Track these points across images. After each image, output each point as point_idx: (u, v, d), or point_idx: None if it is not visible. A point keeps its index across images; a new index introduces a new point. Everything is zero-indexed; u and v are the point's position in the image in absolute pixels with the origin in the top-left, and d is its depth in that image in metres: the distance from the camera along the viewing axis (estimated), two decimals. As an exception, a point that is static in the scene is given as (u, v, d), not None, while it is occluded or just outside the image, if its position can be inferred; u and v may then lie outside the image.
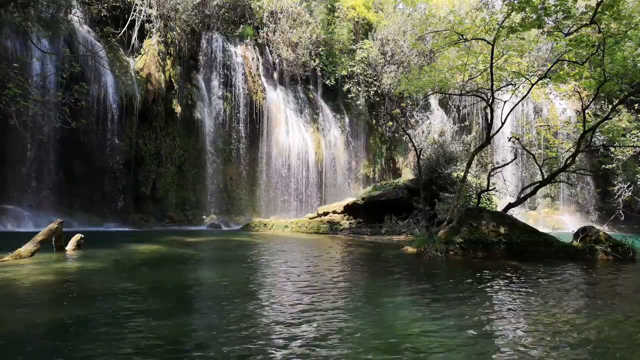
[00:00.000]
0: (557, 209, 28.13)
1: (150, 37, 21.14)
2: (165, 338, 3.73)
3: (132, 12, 20.33)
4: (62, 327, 4.02)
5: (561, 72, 12.09)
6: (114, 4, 20.29)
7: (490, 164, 22.97)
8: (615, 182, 21.97)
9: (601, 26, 9.98)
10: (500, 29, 10.92)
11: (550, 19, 10.87)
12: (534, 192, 13.34)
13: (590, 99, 13.33)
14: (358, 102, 27.71)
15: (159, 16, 21.12)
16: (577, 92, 14.12)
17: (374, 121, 29.05)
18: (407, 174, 25.58)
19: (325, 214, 18.98)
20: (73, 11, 18.31)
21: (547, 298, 5.65)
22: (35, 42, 14.92)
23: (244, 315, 4.52)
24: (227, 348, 3.52)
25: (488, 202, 16.61)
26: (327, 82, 27.25)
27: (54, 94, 14.90)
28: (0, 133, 15.81)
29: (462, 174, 13.52)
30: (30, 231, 11.40)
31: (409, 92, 16.95)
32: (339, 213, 18.57)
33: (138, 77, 20.27)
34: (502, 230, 10.23)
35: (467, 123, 28.98)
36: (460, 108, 29.78)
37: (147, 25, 20.97)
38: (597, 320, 4.59)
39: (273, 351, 3.45)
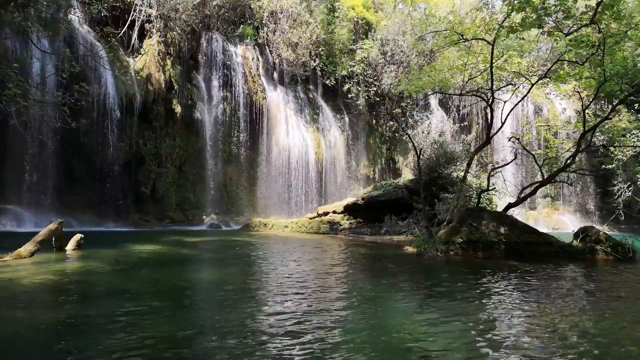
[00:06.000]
0: (557, 209, 28.12)
1: (150, 37, 21.13)
2: (165, 338, 3.73)
3: (132, 12, 20.32)
4: (62, 327, 4.02)
5: (561, 72, 12.09)
6: (114, 4, 20.27)
7: (490, 164, 22.96)
8: (615, 182, 21.95)
9: (601, 26, 9.98)
10: (500, 29, 10.93)
11: (550, 19, 10.88)
12: (534, 192, 13.33)
13: (590, 99, 13.32)
14: (358, 102, 27.69)
15: (159, 16, 21.11)
16: (577, 92, 14.12)
17: (374, 121, 29.04)
18: (407, 174, 25.56)
19: (325, 214, 18.98)
20: (73, 11, 18.29)
21: (547, 298, 5.65)
22: (35, 42, 14.91)
23: (243, 315, 4.51)
24: (227, 348, 3.52)
25: (488, 202, 16.62)
26: (327, 82, 27.24)
27: (54, 94, 14.89)
28: (0, 133, 15.81)
29: (462, 174, 13.52)
30: (30, 231, 11.39)
31: (409, 92, 16.95)
32: (339, 213, 18.57)
33: (138, 77, 20.26)
34: (502, 230, 10.23)
35: (467, 123, 28.96)
36: (460, 108, 29.77)
37: (147, 25, 20.96)
38: (597, 320, 4.59)
39: (272, 352, 3.45)
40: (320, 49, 26.64)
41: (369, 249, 11.64)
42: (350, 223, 17.64)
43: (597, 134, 13.93)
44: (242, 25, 24.99)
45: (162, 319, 4.36)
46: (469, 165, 13.02)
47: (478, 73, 13.47)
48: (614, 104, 12.21)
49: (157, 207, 20.87)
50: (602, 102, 21.39)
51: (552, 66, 12.17)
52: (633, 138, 16.16)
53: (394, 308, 4.98)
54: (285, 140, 24.76)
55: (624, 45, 10.74)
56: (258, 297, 5.53)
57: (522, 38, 11.51)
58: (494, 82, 12.07)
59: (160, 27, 21.21)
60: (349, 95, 27.67)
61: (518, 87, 13.66)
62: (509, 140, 14.92)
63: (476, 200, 13.93)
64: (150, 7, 20.91)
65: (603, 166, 18.99)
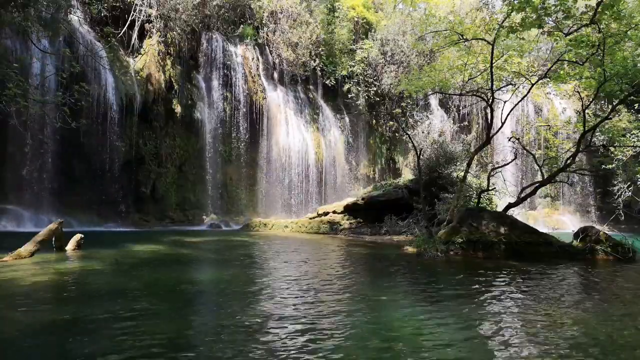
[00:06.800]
0: (557, 209, 28.11)
1: (150, 37, 21.13)
2: (165, 339, 3.73)
3: (132, 12, 20.31)
4: (62, 327, 4.02)
5: (561, 72, 12.09)
6: (114, 4, 20.27)
7: (490, 164, 22.96)
8: (615, 182, 21.95)
9: (601, 26, 9.97)
10: (500, 29, 10.92)
11: (550, 19, 10.88)
12: (534, 192, 13.33)
13: (590, 99, 13.32)
14: (358, 102, 27.70)
15: (159, 16, 21.11)
16: (577, 92, 14.11)
17: (374, 121, 29.04)
18: (407, 174, 25.56)
19: (325, 214, 18.98)
20: (73, 11, 18.28)
21: (547, 298, 5.65)
22: (35, 42, 14.91)
23: (243, 316, 4.51)
24: (226, 348, 3.52)
25: (488, 202, 16.61)
26: (327, 82, 27.24)
27: (54, 94, 14.88)
28: (0, 133, 15.81)
29: (462, 174, 13.52)
30: (30, 231, 11.39)
31: (409, 92, 16.95)
32: (339, 213, 18.56)
33: (138, 77, 20.26)
34: (502, 230, 10.23)
35: (467, 123, 28.96)
36: (460, 108, 29.76)
37: (147, 25, 20.95)
38: (597, 321, 4.59)
39: (271, 352, 3.45)
40: (320, 49, 26.63)
41: (369, 249, 11.64)
42: (350, 223, 17.63)
43: (597, 134, 13.92)
44: (242, 25, 24.99)
45: (163, 319, 4.36)
46: (469, 165, 13.02)
47: (478, 73, 13.47)
48: (614, 104, 12.20)
49: (157, 207, 20.87)
50: (602, 102, 21.40)
51: (552, 66, 12.17)
52: (633, 138, 16.15)
53: (393, 308, 4.98)
54: (285, 140, 24.76)
55: (624, 45, 10.74)
56: (258, 297, 5.53)
57: (522, 38, 11.50)
58: (494, 82, 12.07)
59: (160, 27, 21.21)
60: (349, 95, 27.67)
61: (518, 87, 13.66)
62: (509, 140, 14.91)
63: (476, 200, 13.93)
64: (150, 7, 20.91)
65: (603, 166, 18.98)
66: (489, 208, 14.87)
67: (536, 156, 14.00)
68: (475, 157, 14.63)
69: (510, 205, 12.02)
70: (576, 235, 10.66)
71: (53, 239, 8.80)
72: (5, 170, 16.71)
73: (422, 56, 27.15)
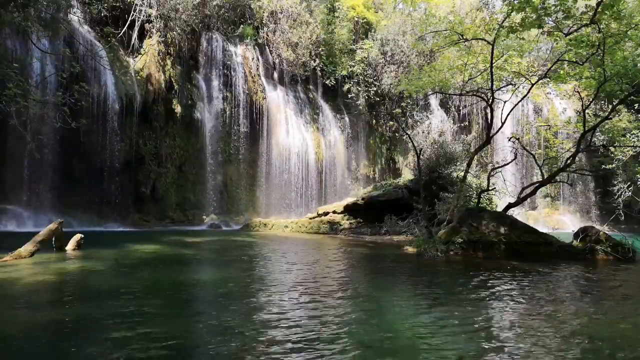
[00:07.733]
0: (557, 209, 28.11)
1: (150, 37, 21.13)
2: (165, 339, 3.72)
3: (132, 12, 20.31)
4: (62, 327, 4.02)
5: (561, 72, 12.10)
6: (114, 4, 20.27)
7: (490, 164, 22.96)
8: (615, 182, 21.95)
9: (601, 26, 9.98)
10: (500, 29, 10.93)
11: (550, 19, 10.88)
12: (534, 192, 13.33)
13: (590, 99, 13.32)
14: (358, 102, 27.70)
15: (159, 16, 21.11)
16: (577, 92, 14.12)
17: (374, 121, 29.04)
18: (407, 174, 25.56)
19: (325, 214, 18.98)
20: (73, 11, 18.28)
21: (547, 299, 5.65)
22: (35, 42, 14.90)
23: (243, 316, 4.51)
24: (226, 349, 3.52)
25: (488, 202, 16.62)
26: (327, 82, 27.24)
27: (54, 94, 14.87)
28: (0, 133, 15.81)
29: (462, 174, 13.52)
30: (30, 231, 11.39)
31: (409, 92, 16.96)
32: (339, 213, 18.57)
33: (138, 77, 20.26)
34: (502, 230, 10.23)
35: (467, 123, 28.97)
36: (460, 108, 29.76)
37: (147, 25, 20.95)
38: (597, 321, 4.59)
39: (271, 352, 3.45)
40: (320, 49, 26.63)
41: (369, 249, 11.64)
42: (350, 223, 17.63)
43: (597, 134, 13.93)
44: (242, 25, 24.99)
45: (163, 320, 4.36)
46: (469, 165, 13.02)
47: (478, 73, 13.48)
48: (614, 104, 12.20)
49: (157, 207, 20.87)
50: (602, 102, 21.40)
51: (552, 66, 12.17)
52: (633, 138, 16.15)
53: (393, 308, 4.98)
54: (285, 140, 24.76)
55: (624, 45, 10.75)
56: (258, 297, 5.53)
57: (522, 38, 11.51)
58: (494, 82, 12.07)
59: (160, 27, 21.21)
60: (349, 95, 27.67)
61: (518, 87, 13.66)
62: (509, 140, 14.92)
63: (476, 200, 13.93)
64: (150, 7, 20.91)
65: (603, 166, 18.99)
66: (489, 208, 14.87)
67: (536, 156, 14.00)
68: (475, 157, 14.62)
69: (510, 205, 12.02)
70: (576, 235, 10.66)
71: (53, 239, 8.80)
72: (5, 170, 16.71)
73: (422, 56, 27.16)
